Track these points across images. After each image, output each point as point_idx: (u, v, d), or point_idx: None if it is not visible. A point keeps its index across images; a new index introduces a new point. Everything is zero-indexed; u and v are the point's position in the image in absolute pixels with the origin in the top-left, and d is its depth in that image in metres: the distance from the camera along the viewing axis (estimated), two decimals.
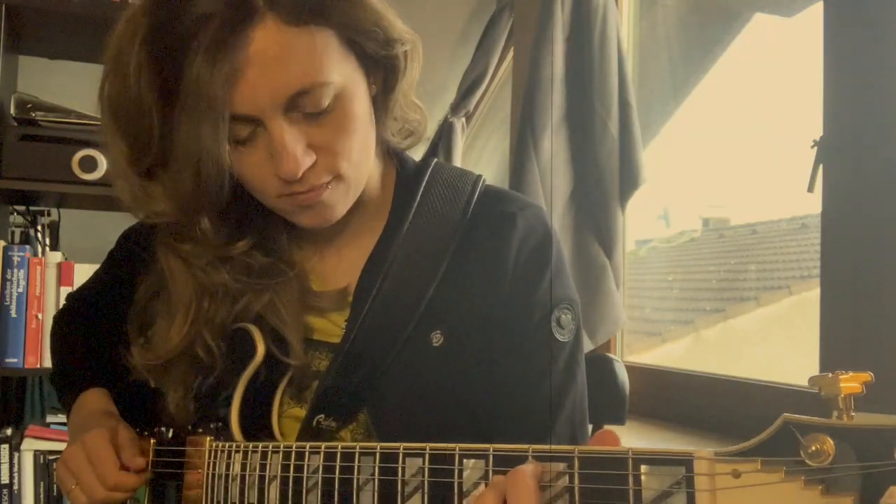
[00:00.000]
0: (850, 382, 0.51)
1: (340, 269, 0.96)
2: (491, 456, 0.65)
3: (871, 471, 0.47)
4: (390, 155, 0.99)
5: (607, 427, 1.16)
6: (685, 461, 0.55)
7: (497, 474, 0.64)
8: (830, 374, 0.51)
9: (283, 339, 0.91)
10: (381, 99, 0.90)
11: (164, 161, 0.83)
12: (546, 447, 0.62)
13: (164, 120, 0.81)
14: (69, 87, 2.14)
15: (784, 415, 0.52)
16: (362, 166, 0.89)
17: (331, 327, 0.93)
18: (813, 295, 1.35)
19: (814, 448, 0.49)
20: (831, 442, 0.49)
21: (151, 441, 0.96)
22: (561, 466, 0.60)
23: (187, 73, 0.77)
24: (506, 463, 0.64)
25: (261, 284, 0.91)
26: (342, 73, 0.81)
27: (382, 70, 0.88)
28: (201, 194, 0.82)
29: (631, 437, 1.59)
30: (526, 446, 0.63)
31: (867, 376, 0.51)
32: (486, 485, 0.65)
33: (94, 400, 1.03)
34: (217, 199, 0.83)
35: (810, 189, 1.30)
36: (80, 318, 1.14)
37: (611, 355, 1.25)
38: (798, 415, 0.51)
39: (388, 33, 0.85)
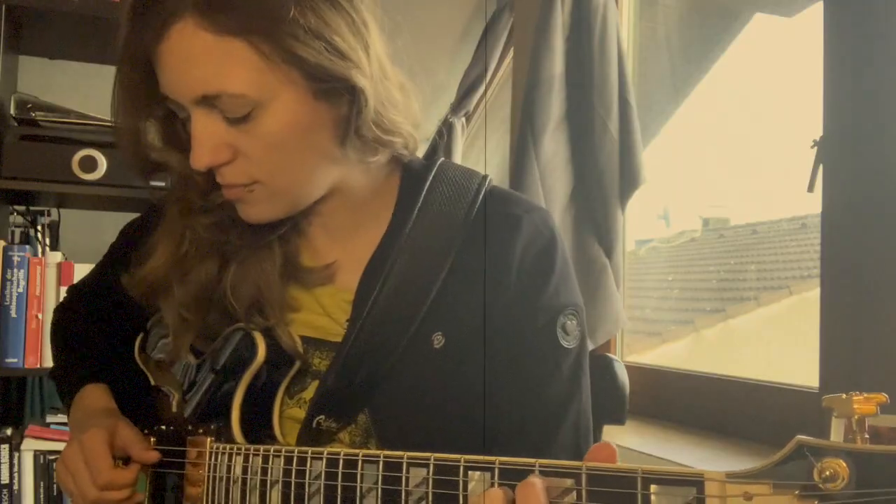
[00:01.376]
0: (865, 404, 0.50)
1: (332, 248, 0.96)
2: (497, 469, 0.64)
3: (886, 497, 0.47)
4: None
5: (607, 427, 1.16)
6: (696, 482, 0.54)
7: (503, 487, 0.63)
8: (844, 396, 0.50)
9: (263, 309, 0.92)
10: (342, 122, 0.86)
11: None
12: (553, 462, 0.61)
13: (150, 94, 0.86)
14: (69, 87, 2.14)
15: (797, 437, 0.51)
16: (294, 182, 0.88)
17: (333, 326, 0.93)
18: (813, 295, 1.35)
19: (828, 472, 0.48)
20: (845, 465, 0.48)
21: (151, 440, 0.96)
22: (568, 482, 0.59)
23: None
24: (512, 476, 0.63)
25: (232, 244, 0.92)
26: (262, 89, 0.81)
27: (343, 97, 0.84)
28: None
29: (631, 437, 1.59)
30: (533, 460, 0.62)
31: (882, 397, 0.50)
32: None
33: (95, 396, 1.03)
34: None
35: (810, 189, 1.30)
36: (81, 311, 1.14)
37: (611, 355, 1.25)
38: (812, 437, 0.51)
39: (335, 72, 0.82)
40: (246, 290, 0.92)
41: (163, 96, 0.84)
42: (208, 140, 0.83)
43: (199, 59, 0.80)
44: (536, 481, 0.60)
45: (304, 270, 0.95)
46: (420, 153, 1.00)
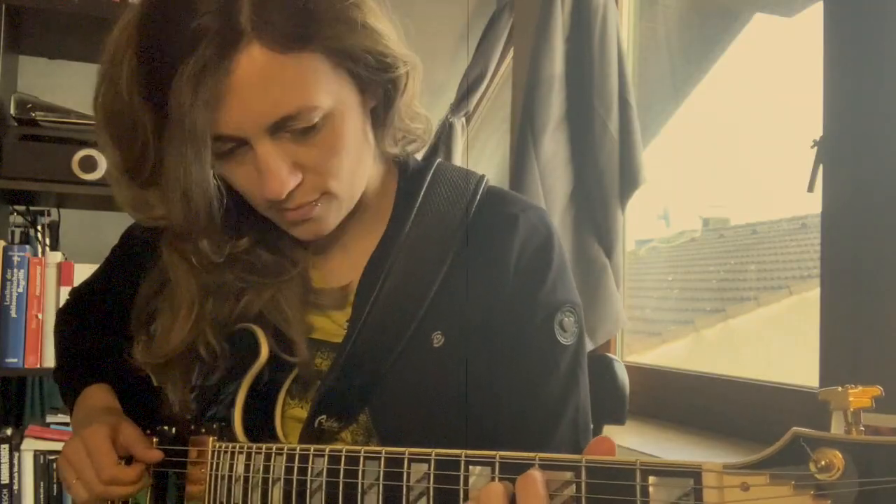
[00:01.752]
0: (860, 397, 0.51)
1: (342, 267, 0.96)
2: (497, 463, 0.65)
3: (880, 486, 0.47)
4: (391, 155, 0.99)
5: (607, 427, 1.16)
6: (694, 473, 0.55)
7: (503, 482, 0.64)
8: (840, 388, 0.51)
9: (284, 336, 0.91)
10: (381, 112, 0.89)
11: (160, 171, 0.82)
12: (553, 455, 0.62)
13: (159, 132, 0.80)
14: (69, 87, 2.14)
15: (794, 428, 0.52)
16: (354, 182, 0.88)
17: (333, 327, 0.93)
18: (813, 295, 1.36)
19: (823, 462, 0.49)
20: (841, 456, 0.49)
21: (154, 440, 0.97)
22: (567, 475, 0.60)
23: (171, 94, 0.76)
24: (512, 470, 0.63)
25: (265, 283, 0.91)
26: (331, 96, 0.80)
27: (381, 87, 0.87)
28: (191, 220, 0.82)
29: (631, 437, 1.59)
30: (532, 454, 0.63)
31: (877, 390, 0.51)
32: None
33: (98, 396, 1.03)
34: (208, 223, 0.83)
35: (810, 189, 1.30)
36: (83, 313, 1.14)
37: (611, 355, 1.25)
38: (808, 428, 0.51)
39: (381, 58, 0.83)
40: (269, 323, 0.91)
41: (214, 135, 0.78)
42: (283, 166, 0.81)
43: (275, 81, 0.77)
44: (536, 474, 0.60)
45: (317, 293, 0.94)
46: (420, 153, 1.00)
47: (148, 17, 0.78)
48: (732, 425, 1.57)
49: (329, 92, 0.80)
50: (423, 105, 0.96)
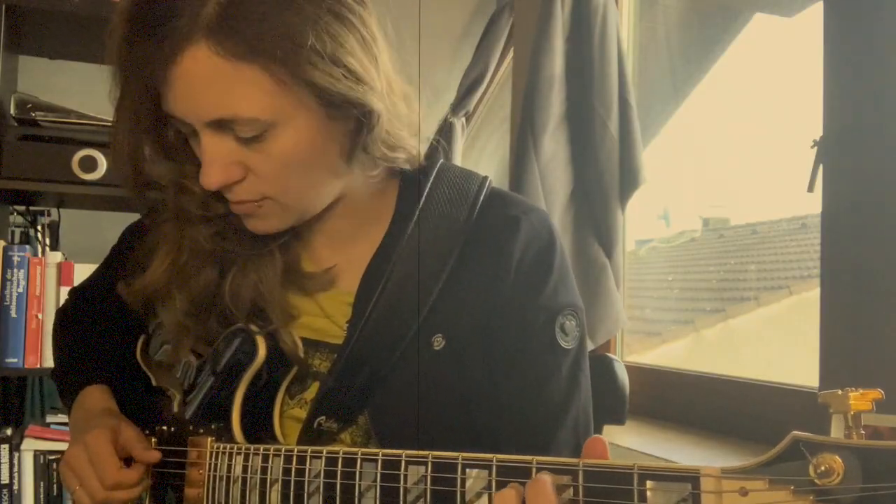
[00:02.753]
0: (860, 400, 0.50)
1: (331, 251, 0.96)
2: (494, 466, 0.65)
3: (881, 492, 0.47)
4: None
5: (607, 427, 1.16)
6: (691, 478, 0.54)
7: (500, 485, 0.64)
8: (840, 391, 0.51)
9: (265, 314, 0.92)
10: (350, 138, 0.86)
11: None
12: (550, 459, 0.61)
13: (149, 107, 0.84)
14: (69, 87, 2.14)
15: (793, 432, 0.51)
16: (302, 197, 0.89)
17: (333, 328, 0.93)
18: (813, 295, 1.35)
19: (823, 467, 0.49)
20: (840, 461, 0.48)
21: (152, 440, 0.96)
22: (565, 479, 0.60)
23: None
24: (509, 473, 0.64)
25: (234, 252, 0.92)
26: (275, 112, 0.80)
27: (351, 114, 0.84)
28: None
29: (631, 437, 1.59)
30: (530, 458, 0.63)
31: (877, 393, 0.51)
32: (490, 495, 0.64)
33: (96, 397, 1.03)
34: (135, 178, 0.89)
35: (810, 189, 1.30)
36: (83, 313, 1.14)
37: (611, 355, 1.25)
38: (807, 432, 0.51)
39: (348, 96, 0.81)
40: (246, 296, 0.92)
41: (167, 114, 0.83)
42: (220, 160, 0.83)
43: (213, 84, 0.79)
44: (546, 479, 0.60)
45: (304, 276, 0.95)
46: (420, 155, 0.99)
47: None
48: (732, 425, 1.57)
49: (273, 109, 0.80)
50: (424, 107, 0.95)
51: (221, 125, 0.81)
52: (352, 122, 0.84)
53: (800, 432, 0.51)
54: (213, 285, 0.93)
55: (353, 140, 0.85)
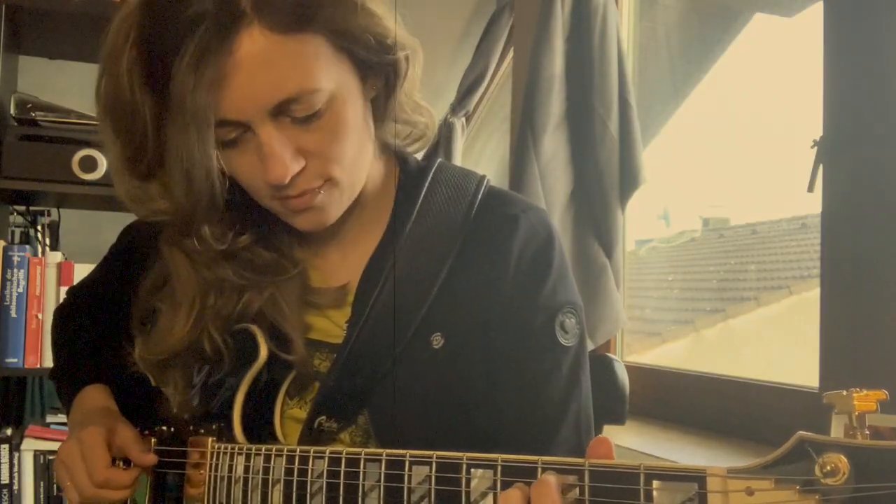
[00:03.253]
0: (865, 401, 0.50)
1: (341, 266, 0.96)
2: (499, 466, 0.64)
3: (886, 492, 0.47)
4: (390, 152, 0.98)
5: (607, 427, 1.16)
6: (698, 477, 0.54)
7: (505, 485, 0.64)
8: (845, 392, 0.51)
9: (282, 335, 0.91)
10: (381, 101, 0.89)
11: (161, 163, 0.83)
12: (556, 459, 0.61)
13: (159, 122, 0.80)
14: (69, 87, 2.14)
15: (799, 432, 0.51)
16: (356, 170, 0.88)
17: (332, 327, 0.93)
18: (813, 295, 1.35)
19: (829, 467, 0.49)
20: (846, 461, 0.49)
21: (152, 440, 0.96)
22: (571, 479, 0.60)
23: (174, 80, 0.76)
24: (514, 474, 0.63)
25: (264, 280, 0.91)
26: (333, 79, 0.81)
27: (382, 73, 0.87)
28: (194, 203, 0.82)
29: (631, 437, 1.59)
30: (535, 457, 0.63)
31: (882, 394, 0.51)
32: (495, 495, 0.64)
33: (94, 397, 1.03)
34: (210, 206, 0.82)
35: (810, 189, 1.30)
36: (81, 312, 1.14)
37: (611, 355, 1.25)
38: (812, 433, 0.51)
39: (382, 40, 0.84)
40: (268, 320, 0.91)
41: (217, 121, 0.78)
42: (286, 150, 0.80)
43: (275, 63, 0.77)
44: (551, 479, 0.60)
45: (315, 292, 0.94)
46: (421, 153, 1.00)
47: (147, 5, 0.78)
48: (732, 425, 1.57)
49: (331, 75, 0.80)
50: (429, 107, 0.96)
51: (281, 110, 0.79)
52: (380, 84, 0.86)
53: (805, 432, 0.51)
54: (232, 313, 0.91)
55: (383, 103, 0.87)
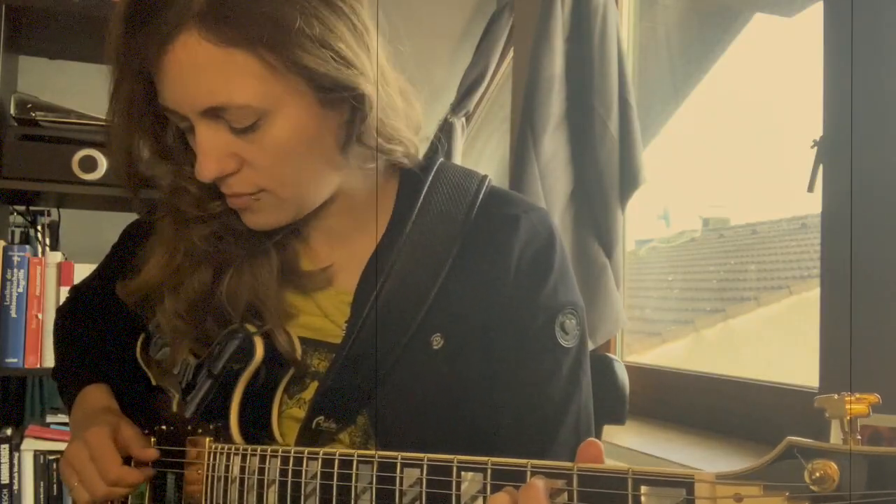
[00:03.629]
0: (857, 405, 0.50)
1: (327, 254, 0.96)
2: (489, 469, 0.65)
3: (876, 499, 0.46)
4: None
5: (607, 427, 1.15)
6: (686, 483, 0.54)
7: (495, 488, 0.64)
8: (836, 396, 0.50)
9: (260, 315, 0.91)
10: (345, 128, 0.86)
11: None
12: (545, 463, 0.61)
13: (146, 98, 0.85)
14: (69, 87, 2.14)
15: (788, 438, 0.51)
16: (302, 189, 0.88)
17: (331, 327, 0.93)
18: (813, 295, 1.35)
19: (818, 474, 0.48)
20: (835, 467, 0.48)
21: (152, 439, 0.97)
22: (559, 483, 0.60)
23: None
24: (504, 477, 0.63)
25: (230, 252, 0.92)
26: (267, 99, 0.80)
27: (346, 103, 0.84)
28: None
29: (631, 437, 1.59)
30: (525, 461, 0.63)
31: (874, 398, 0.50)
32: (485, 498, 0.64)
33: (96, 396, 1.03)
34: (129, 171, 0.89)
35: (810, 189, 1.30)
36: (83, 311, 1.14)
37: (611, 355, 1.24)
38: (803, 437, 0.50)
39: (338, 79, 0.81)
40: (242, 296, 0.92)
41: (162, 107, 0.83)
42: (214, 151, 0.82)
43: (204, 71, 0.79)
44: (539, 483, 0.60)
45: (301, 275, 0.95)
46: (420, 153, 0.99)
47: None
48: (732, 425, 1.57)
49: (265, 95, 0.80)
50: (423, 107, 0.95)
51: (215, 115, 0.81)
52: (346, 111, 0.84)
53: (795, 438, 0.51)
54: (207, 286, 0.92)
55: (347, 129, 0.85)
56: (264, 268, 0.93)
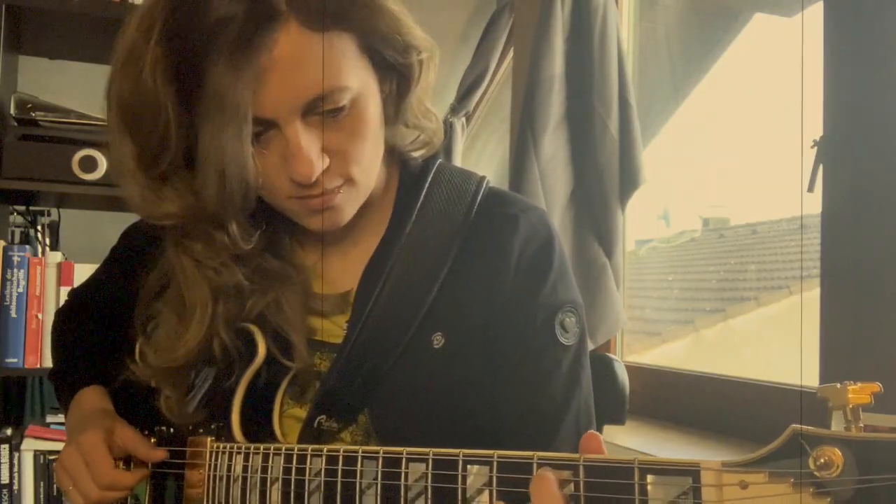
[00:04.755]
0: (859, 393, 0.50)
1: (344, 272, 0.96)
2: (495, 462, 0.65)
3: (880, 483, 0.47)
4: (393, 155, 0.98)
5: (607, 427, 1.16)
6: (692, 471, 0.54)
7: (501, 481, 0.64)
8: (839, 385, 0.51)
9: (285, 339, 0.90)
10: (393, 104, 0.90)
11: (182, 163, 0.83)
12: (551, 454, 0.62)
13: (180, 122, 0.80)
14: (69, 87, 2.14)
15: (792, 425, 0.51)
16: (372, 170, 0.89)
17: (332, 327, 0.93)
18: (813, 295, 1.35)
19: (823, 460, 0.49)
20: (840, 453, 0.48)
21: (152, 440, 0.96)
22: (566, 474, 0.60)
23: (208, 77, 0.76)
24: (510, 469, 0.64)
25: (272, 286, 0.91)
26: (358, 78, 0.82)
27: (396, 75, 0.88)
28: (226, 200, 0.81)
29: (631, 437, 1.59)
30: (531, 453, 0.63)
31: (876, 387, 0.51)
32: (491, 492, 0.64)
33: (91, 399, 1.03)
34: (243, 203, 0.82)
35: (810, 189, 1.30)
36: (82, 314, 1.14)
37: (611, 355, 1.25)
38: (807, 426, 0.51)
39: (406, 40, 0.85)
40: (271, 327, 0.90)
41: (254, 118, 0.78)
42: (312, 148, 0.81)
43: (313, 59, 0.78)
44: (549, 475, 0.60)
45: (318, 299, 0.93)
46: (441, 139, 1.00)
47: (172, 4, 0.78)
48: (732, 425, 1.57)
49: (357, 74, 0.82)
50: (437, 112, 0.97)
51: (311, 107, 0.80)
52: (392, 86, 0.88)
53: (799, 425, 0.51)
54: (241, 315, 0.90)
55: (395, 105, 0.88)
56: (293, 298, 0.91)
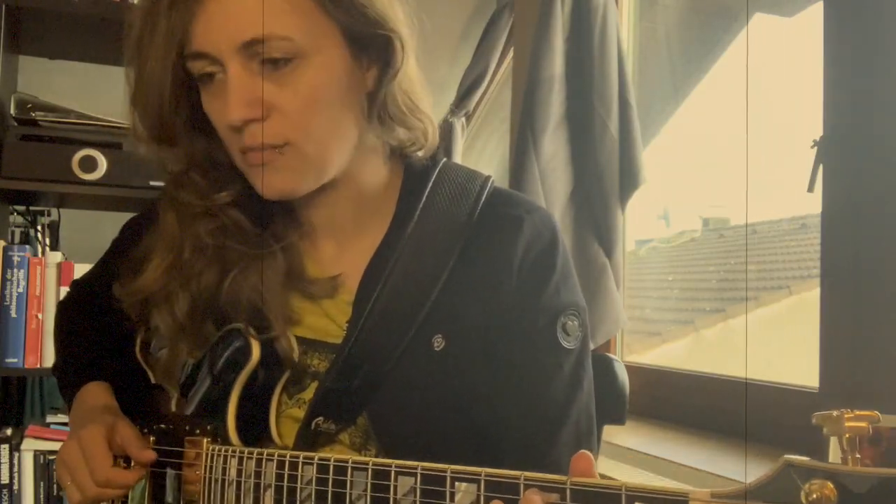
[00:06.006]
0: (856, 422, 0.48)
1: (336, 259, 0.96)
2: (483, 480, 0.64)
3: None
4: (397, 153, 0.98)
5: (607, 427, 1.15)
6: (680, 501, 0.54)
7: (488, 500, 0.63)
8: (835, 413, 0.49)
9: (265, 319, 0.90)
10: (375, 93, 0.88)
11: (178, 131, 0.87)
12: (539, 476, 0.61)
13: (179, 93, 0.84)
14: (69, 87, 2.14)
15: (785, 456, 0.50)
16: (326, 148, 0.87)
17: (332, 327, 0.93)
18: (813, 295, 1.35)
19: (815, 495, 0.47)
20: (833, 487, 0.47)
21: (151, 439, 0.96)
22: (553, 497, 0.60)
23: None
24: (498, 488, 0.63)
25: (236, 249, 0.91)
26: (309, 37, 0.81)
27: (375, 56, 0.87)
28: (146, 118, 0.86)
29: (631, 437, 1.59)
30: (518, 473, 0.62)
31: (874, 414, 0.49)
32: None
33: (96, 394, 1.02)
34: (160, 125, 0.86)
35: (810, 189, 1.30)
36: (83, 307, 1.14)
37: (611, 355, 1.24)
38: (800, 457, 0.49)
39: (374, 15, 0.84)
40: (245, 298, 0.90)
41: (191, 54, 0.82)
42: (246, 92, 0.81)
43: (248, 2, 0.79)
44: (536, 499, 0.60)
45: (309, 281, 0.94)
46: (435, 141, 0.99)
47: None
48: (732, 425, 1.57)
49: (307, 31, 0.81)
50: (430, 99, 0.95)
51: (251, 53, 0.80)
52: (374, 72, 0.87)
53: (792, 456, 0.50)
54: (212, 289, 0.91)
55: (376, 88, 0.87)
56: (270, 270, 0.91)
